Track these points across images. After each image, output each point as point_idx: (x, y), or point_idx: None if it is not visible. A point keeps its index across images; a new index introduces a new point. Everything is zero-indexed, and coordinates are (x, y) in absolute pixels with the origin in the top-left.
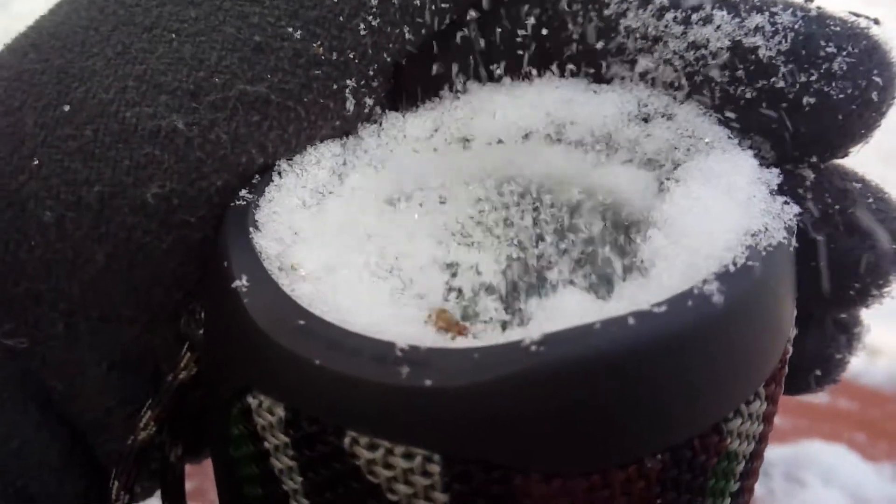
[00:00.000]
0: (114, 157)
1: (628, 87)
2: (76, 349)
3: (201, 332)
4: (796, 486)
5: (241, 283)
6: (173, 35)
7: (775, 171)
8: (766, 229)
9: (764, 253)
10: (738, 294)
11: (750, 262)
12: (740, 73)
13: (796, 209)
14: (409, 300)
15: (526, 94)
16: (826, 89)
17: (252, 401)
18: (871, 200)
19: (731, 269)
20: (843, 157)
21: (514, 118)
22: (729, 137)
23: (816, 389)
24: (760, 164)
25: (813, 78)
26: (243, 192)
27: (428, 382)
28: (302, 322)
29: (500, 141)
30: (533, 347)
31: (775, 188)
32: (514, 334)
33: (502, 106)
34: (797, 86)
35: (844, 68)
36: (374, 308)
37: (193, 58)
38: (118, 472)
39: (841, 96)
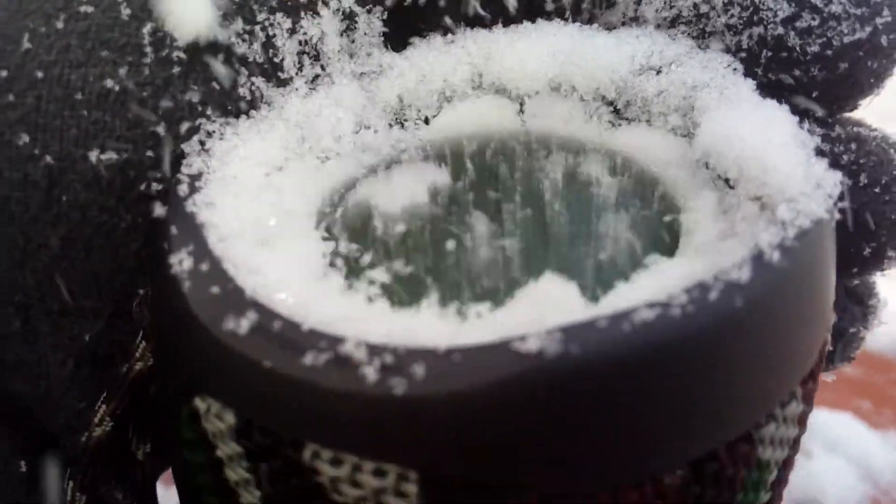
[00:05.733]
0: (60, 127)
1: (633, 34)
2: (37, 348)
3: None
4: (802, 457)
5: (182, 267)
6: None
7: (811, 127)
8: (807, 200)
9: (804, 230)
10: (774, 282)
11: (788, 243)
12: (734, 19)
13: (838, 176)
14: (378, 288)
15: (521, 42)
16: (829, 35)
17: (200, 404)
18: (887, 149)
19: (765, 251)
20: (851, 111)
21: (514, 69)
22: (753, 90)
23: (830, 368)
24: (798, 121)
25: (815, 22)
26: (193, 159)
27: (399, 391)
28: (251, 315)
29: (500, 91)
30: (524, 348)
31: (814, 150)
32: (493, 322)
33: (497, 55)
34: (797, 31)
35: (849, 10)
36: (336, 299)
37: (143, 9)
38: (72, 472)
39: (846, 42)
